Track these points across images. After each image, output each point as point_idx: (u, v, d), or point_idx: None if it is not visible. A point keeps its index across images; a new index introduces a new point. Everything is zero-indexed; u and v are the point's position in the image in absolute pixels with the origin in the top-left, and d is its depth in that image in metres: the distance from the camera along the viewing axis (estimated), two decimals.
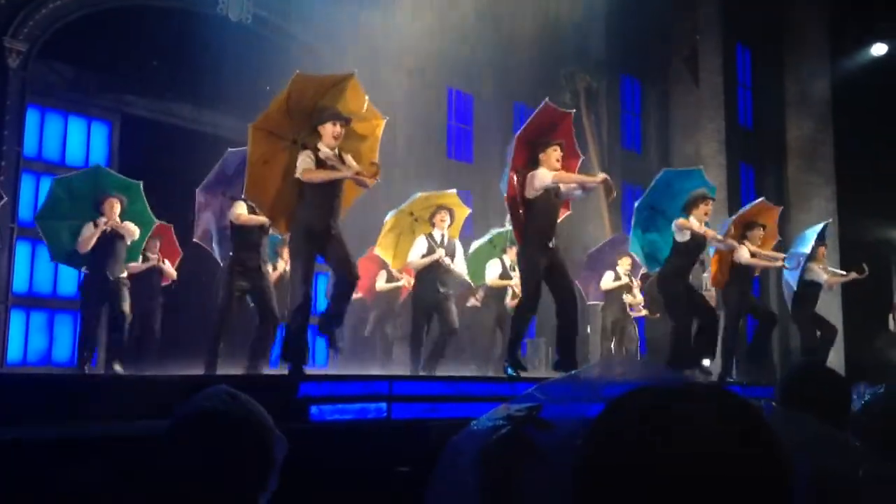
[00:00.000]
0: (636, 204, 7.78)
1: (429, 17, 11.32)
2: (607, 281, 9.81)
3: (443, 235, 7.49)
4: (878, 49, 15.91)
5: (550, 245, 6.09)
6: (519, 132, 6.32)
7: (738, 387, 6.58)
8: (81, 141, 10.76)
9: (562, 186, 6.14)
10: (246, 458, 1.35)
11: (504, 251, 8.93)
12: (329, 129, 5.47)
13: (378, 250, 8.07)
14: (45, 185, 10.17)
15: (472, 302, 10.15)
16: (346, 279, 5.59)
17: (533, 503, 1.12)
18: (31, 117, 10.23)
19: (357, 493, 3.54)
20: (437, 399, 4.90)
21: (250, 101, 10.10)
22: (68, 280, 10.18)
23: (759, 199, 8.74)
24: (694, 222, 7.10)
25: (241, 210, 6.47)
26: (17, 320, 9.87)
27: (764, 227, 7.98)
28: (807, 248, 8.50)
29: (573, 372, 1.49)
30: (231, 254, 6.54)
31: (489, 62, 12.63)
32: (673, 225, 7.18)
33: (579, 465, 0.81)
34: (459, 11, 11.65)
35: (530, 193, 6.07)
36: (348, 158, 5.64)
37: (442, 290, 7.36)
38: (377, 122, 5.95)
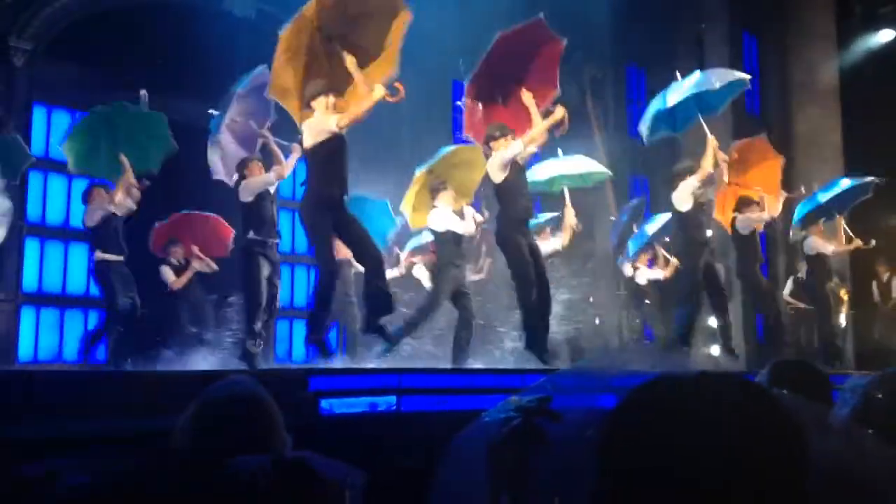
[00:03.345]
0: None
1: (433, 9, 11.28)
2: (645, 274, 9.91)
3: (462, 208, 7.15)
4: (886, 35, 15.79)
5: (528, 223, 6.10)
6: (497, 43, 6.19)
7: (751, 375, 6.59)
8: None
9: (527, 151, 6.08)
10: (265, 432, 1.38)
11: (538, 235, 8.73)
12: (322, 102, 5.52)
13: (402, 206, 7.79)
14: (53, 182, 10.21)
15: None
16: (371, 256, 5.49)
17: (543, 494, 1.12)
18: (38, 116, 10.26)
19: (367, 487, 3.54)
20: (447, 391, 4.91)
21: None
22: (78, 277, 10.22)
23: (760, 136, 8.58)
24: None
25: (248, 180, 6.54)
26: (27, 318, 9.91)
27: (758, 203, 7.92)
28: (826, 195, 8.31)
29: (582, 362, 1.49)
30: (251, 234, 6.52)
31: None
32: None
33: (599, 454, 0.81)
34: (463, 3, 11.61)
35: (497, 178, 6.00)
36: (348, 60, 5.56)
37: (460, 264, 6.95)
38: (402, 18, 5.98)
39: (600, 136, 14.16)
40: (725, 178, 7.32)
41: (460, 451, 1.20)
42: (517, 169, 5.99)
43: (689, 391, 0.82)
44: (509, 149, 5.90)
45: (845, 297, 10.32)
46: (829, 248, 8.45)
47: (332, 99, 5.53)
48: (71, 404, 4.02)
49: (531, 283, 5.92)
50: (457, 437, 1.21)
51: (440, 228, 6.89)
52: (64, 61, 10.18)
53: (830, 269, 8.55)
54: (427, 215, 7.24)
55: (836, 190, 8.56)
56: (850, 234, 8.70)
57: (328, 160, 5.40)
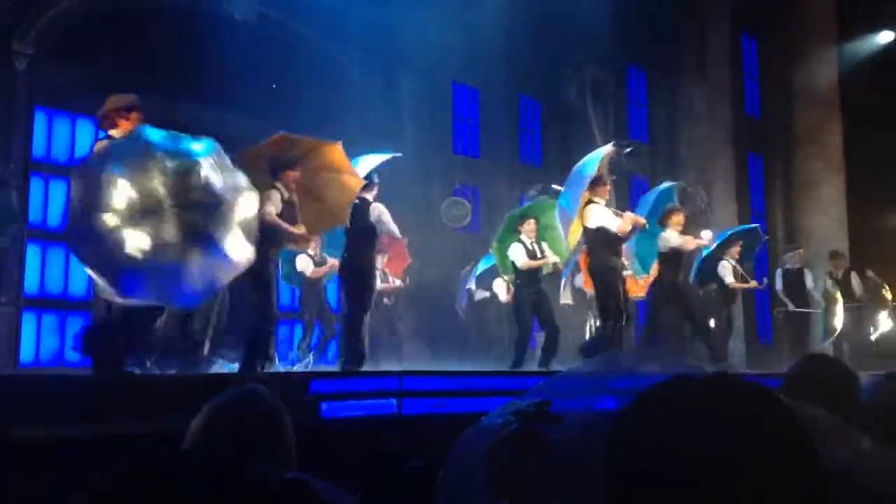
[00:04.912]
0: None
1: (434, 12, 11.31)
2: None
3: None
4: (886, 36, 15.80)
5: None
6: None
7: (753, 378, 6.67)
8: (90, 142, 10.79)
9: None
10: (279, 457, 1.39)
11: (517, 230, 8.22)
12: (290, 175, 6.20)
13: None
14: (54, 186, 10.23)
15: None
16: (267, 306, 5.94)
17: (543, 498, 1.13)
18: (40, 120, 10.27)
19: (368, 490, 3.54)
20: (447, 394, 4.92)
21: (257, 99, 10.14)
22: (79, 281, 10.23)
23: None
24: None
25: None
26: (28, 321, 9.93)
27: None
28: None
29: (580, 365, 1.50)
30: None
31: (494, 55, 12.61)
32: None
33: (610, 452, 0.81)
34: (464, 5, 11.63)
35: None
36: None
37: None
38: (356, 183, 6.73)
39: (601, 138, 14.16)
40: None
41: (460, 456, 1.21)
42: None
43: (702, 393, 0.83)
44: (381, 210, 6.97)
45: (839, 299, 10.29)
46: (728, 278, 9.14)
47: (297, 173, 6.28)
48: (75, 407, 4.03)
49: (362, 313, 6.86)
50: (456, 441, 1.22)
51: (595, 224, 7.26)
52: (66, 65, 10.21)
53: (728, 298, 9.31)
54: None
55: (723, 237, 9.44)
56: (746, 276, 9.44)
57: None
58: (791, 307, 10.21)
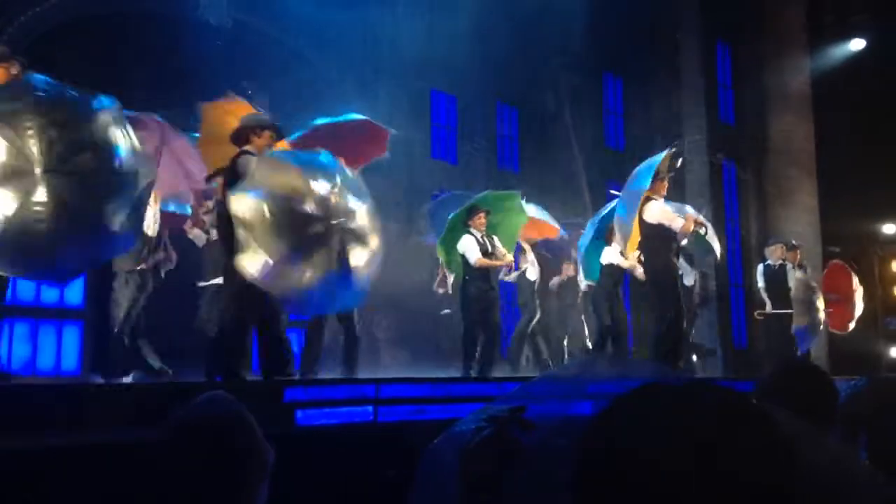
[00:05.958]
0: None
1: (411, 20, 11.32)
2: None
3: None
4: (857, 44, 16.04)
5: None
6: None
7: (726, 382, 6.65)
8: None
9: None
10: (241, 461, 1.36)
11: (467, 224, 7.57)
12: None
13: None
14: None
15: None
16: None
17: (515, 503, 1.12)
18: None
19: (344, 498, 3.53)
20: (424, 401, 4.90)
21: None
22: (51, 289, 10.10)
23: None
24: None
25: None
26: None
27: None
28: None
29: (555, 370, 1.50)
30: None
31: (472, 62, 12.64)
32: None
33: (580, 461, 0.81)
34: (442, 13, 11.65)
35: None
36: None
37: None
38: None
39: (578, 145, 14.23)
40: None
41: (432, 462, 1.20)
42: None
43: (677, 398, 0.83)
44: None
45: (818, 290, 9.97)
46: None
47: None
48: (47, 416, 3.97)
49: None
50: (429, 447, 1.21)
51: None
52: (39, 70, 10.07)
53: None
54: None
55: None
56: None
57: None
58: (770, 308, 9.70)
